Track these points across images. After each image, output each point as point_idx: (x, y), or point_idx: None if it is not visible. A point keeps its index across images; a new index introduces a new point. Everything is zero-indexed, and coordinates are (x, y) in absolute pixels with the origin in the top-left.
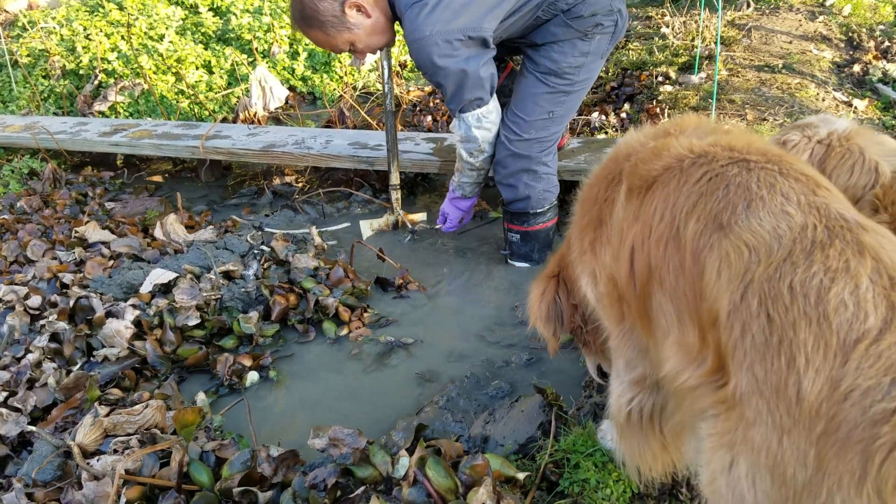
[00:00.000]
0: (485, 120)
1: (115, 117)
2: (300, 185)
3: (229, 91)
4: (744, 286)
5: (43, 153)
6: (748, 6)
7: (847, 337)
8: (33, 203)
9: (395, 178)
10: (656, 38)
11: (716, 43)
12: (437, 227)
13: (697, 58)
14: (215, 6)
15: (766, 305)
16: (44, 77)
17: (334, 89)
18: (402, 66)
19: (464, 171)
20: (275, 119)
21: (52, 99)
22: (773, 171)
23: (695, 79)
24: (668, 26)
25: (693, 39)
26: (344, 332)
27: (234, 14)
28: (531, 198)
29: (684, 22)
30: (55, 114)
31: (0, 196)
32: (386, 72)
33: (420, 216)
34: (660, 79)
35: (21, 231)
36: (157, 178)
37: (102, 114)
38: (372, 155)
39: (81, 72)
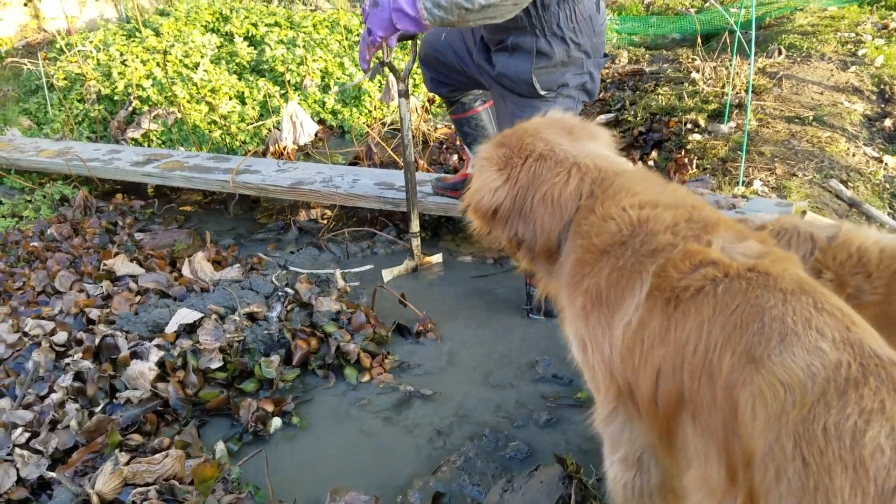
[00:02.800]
0: None
1: (148, 145)
2: (325, 221)
3: (261, 123)
4: (778, 427)
5: (75, 180)
6: (779, 53)
7: (885, 485)
8: (63, 231)
9: (414, 226)
10: (686, 84)
11: (747, 92)
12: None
13: (728, 106)
14: (250, 35)
15: (801, 448)
16: (79, 101)
17: (363, 123)
18: (431, 101)
19: None
20: (304, 153)
21: (86, 123)
22: (808, 305)
23: (724, 128)
24: (698, 71)
25: (723, 86)
26: (365, 378)
27: (269, 45)
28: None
29: (714, 67)
30: (88, 138)
31: (31, 221)
32: (405, 122)
33: (437, 258)
34: (689, 126)
35: (50, 260)
36: (188, 209)
37: (135, 141)
38: (398, 196)
39: (116, 97)
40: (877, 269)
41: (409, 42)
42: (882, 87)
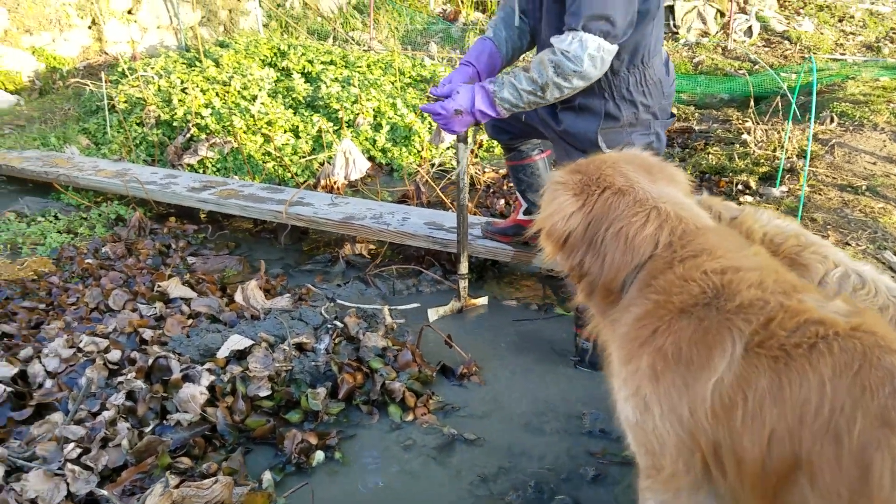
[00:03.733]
0: (601, 58)
1: (203, 171)
2: (371, 255)
3: (313, 157)
4: None
5: (132, 201)
6: (831, 121)
7: None
8: (118, 250)
9: (463, 268)
10: (737, 145)
11: (801, 157)
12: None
13: (780, 170)
14: (306, 71)
15: None
16: (138, 124)
17: (411, 163)
18: (479, 145)
19: (522, 81)
20: (353, 188)
21: (144, 146)
22: None
23: (776, 192)
24: (749, 133)
25: (775, 149)
26: (409, 417)
27: (325, 83)
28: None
29: (766, 130)
30: (145, 161)
31: (86, 238)
32: (462, 166)
33: (482, 300)
34: (739, 187)
35: (104, 278)
36: (238, 235)
37: (191, 167)
38: (447, 237)
39: (175, 123)
40: None
41: None
42: None
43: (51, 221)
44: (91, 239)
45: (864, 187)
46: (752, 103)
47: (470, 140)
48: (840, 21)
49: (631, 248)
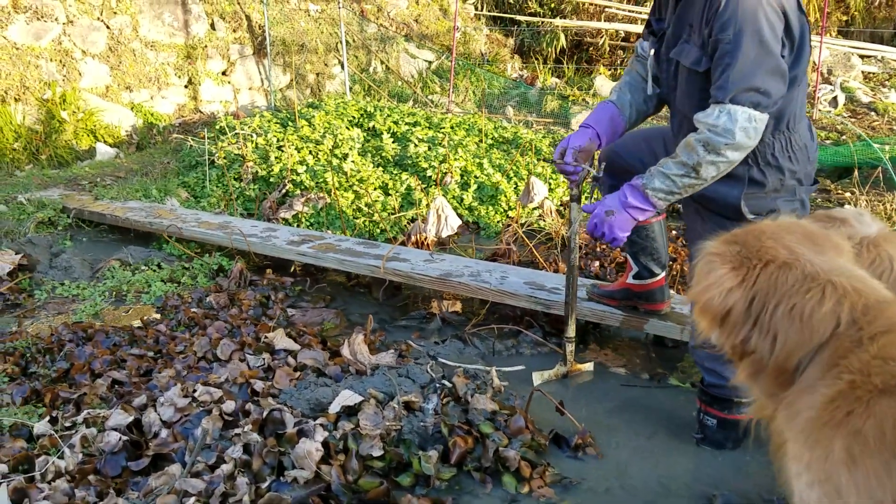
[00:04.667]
0: (754, 128)
1: (297, 225)
2: (464, 313)
3: (402, 214)
4: None
5: (234, 252)
6: None
7: None
8: (220, 300)
9: (571, 331)
10: None
11: None
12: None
13: None
14: (392, 131)
15: None
16: (236, 179)
17: (498, 222)
18: (564, 206)
19: (671, 167)
20: (441, 245)
21: (241, 200)
22: None
23: None
24: (852, 203)
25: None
26: (524, 489)
27: (413, 142)
28: (739, 387)
29: (869, 201)
30: (242, 214)
31: (189, 287)
32: (574, 227)
33: (588, 366)
34: None
35: (210, 328)
36: (333, 289)
37: (286, 221)
38: (549, 298)
39: (271, 179)
40: None
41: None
42: None
43: (154, 270)
44: (194, 288)
45: None
46: (855, 173)
47: (584, 199)
48: None
49: (808, 328)
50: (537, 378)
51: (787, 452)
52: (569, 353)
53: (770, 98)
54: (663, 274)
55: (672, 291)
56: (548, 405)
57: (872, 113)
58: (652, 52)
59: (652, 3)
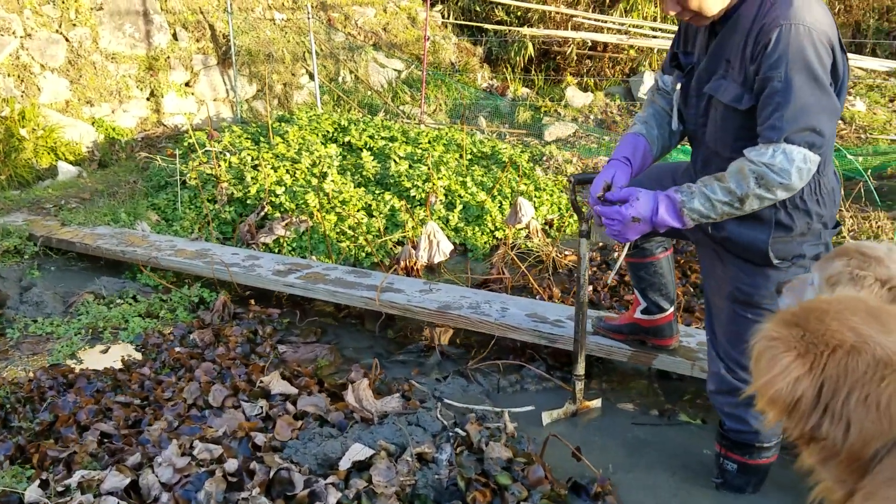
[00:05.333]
0: (808, 169)
1: (279, 251)
2: (461, 345)
3: (388, 237)
4: None
5: (215, 283)
6: None
7: None
8: (205, 337)
9: (580, 369)
10: None
11: None
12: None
13: None
14: (369, 147)
15: None
16: (209, 201)
17: (485, 243)
18: (549, 224)
19: (718, 192)
20: (429, 269)
21: (216, 223)
22: None
23: None
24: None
25: (868, 238)
26: None
27: (394, 160)
28: (760, 432)
29: (853, 217)
30: (218, 239)
31: (168, 322)
32: (583, 262)
33: (596, 402)
34: None
35: (197, 370)
36: (323, 321)
37: (267, 246)
38: (553, 331)
39: (248, 201)
40: None
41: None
42: None
43: (130, 304)
44: (174, 323)
45: None
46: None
47: (593, 234)
48: (891, 101)
49: (886, 417)
50: (547, 418)
51: None
52: (578, 391)
53: (824, 138)
54: (672, 309)
55: (680, 325)
56: (561, 448)
57: (840, 122)
58: (678, 86)
59: (676, 34)
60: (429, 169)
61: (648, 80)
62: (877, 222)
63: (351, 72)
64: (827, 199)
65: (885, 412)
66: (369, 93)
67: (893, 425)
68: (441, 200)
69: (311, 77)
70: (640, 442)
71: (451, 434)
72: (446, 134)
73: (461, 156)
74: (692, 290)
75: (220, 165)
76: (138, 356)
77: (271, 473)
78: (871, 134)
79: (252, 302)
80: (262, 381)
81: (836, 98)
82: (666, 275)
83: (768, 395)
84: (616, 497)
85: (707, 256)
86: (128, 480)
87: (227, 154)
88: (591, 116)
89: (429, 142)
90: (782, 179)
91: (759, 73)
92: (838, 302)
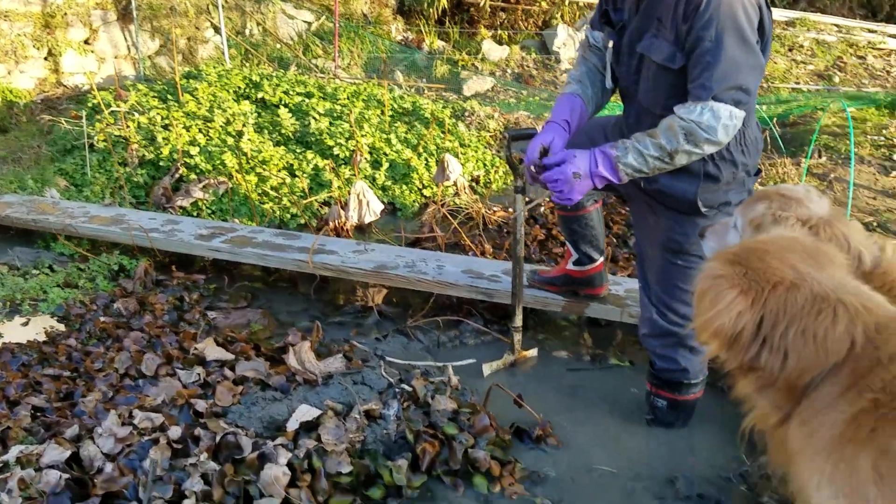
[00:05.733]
0: (734, 125)
1: (198, 214)
2: (396, 304)
3: (314, 198)
4: None
5: (135, 249)
6: (820, 154)
7: None
8: (129, 306)
9: (518, 321)
10: None
11: None
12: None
13: None
14: (285, 104)
15: None
16: (120, 164)
17: (414, 201)
18: (476, 180)
19: (650, 147)
20: (359, 230)
21: (129, 187)
22: None
23: None
24: None
25: (773, 184)
26: (496, 488)
27: (314, 117)
28: (689, 370)
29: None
30: (132, 204)
31: (89, 291)
32: (519, 218)
33: (533, 352)
34: None
35: (126, 339)
36: (253, 285)
37: (184, 209)
38: (490, 286)
39: (161, 163)
40: None
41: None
42: None
43: (47, 274)
44: (95, 293)
45: (874, 224)
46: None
47: (528, 190)
48: (790, 51)
49: (823, 348)
50: (487, 369)
51: (803, 464)
52: (516, 341)
53: (749, 95)
54: (601, 259)
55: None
56: (503, 397)
57: None
58: (610, 44)
59: None
60: (351, 126)
61: (562, 33)
62: (783, 168)
63: (258, 24)
64: (751, 149)
65: (821, 343)
66: (279, 46)
67: (830, 355)
68: (366, 159)
69: (217, 30)
70: (576, 386)
71: (397, 390)
72: (365, 89)
73: (382, 112)
74: (615, 240)
75: (128, 126)
76: (62, 328)
77: (217, 438)
78: (772, 83)
79: (174, 268)
80: (195, 349)
81: (761, 55)
82: (596, 226)
83: (712, 328)
84: (556, 438)
85: (639, 209)
86: (68, 453)
87: (136, 114)
88: (509, 70)
89: (347, 97)
90: (709, 136)
91: (691, 32)
92: (777, 241)
